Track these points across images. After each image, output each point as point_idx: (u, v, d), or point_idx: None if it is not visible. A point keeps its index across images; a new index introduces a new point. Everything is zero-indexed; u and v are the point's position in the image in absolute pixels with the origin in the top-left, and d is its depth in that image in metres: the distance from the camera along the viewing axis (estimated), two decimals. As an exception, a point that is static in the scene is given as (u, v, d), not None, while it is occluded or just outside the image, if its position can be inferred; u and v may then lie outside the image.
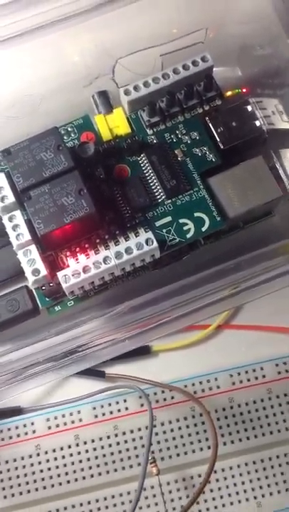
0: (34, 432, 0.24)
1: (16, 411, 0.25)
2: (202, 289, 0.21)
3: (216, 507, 0.23)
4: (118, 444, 0.24)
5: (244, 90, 0.28)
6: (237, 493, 0.24)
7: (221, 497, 0.23)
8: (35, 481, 0.24)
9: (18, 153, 0.24)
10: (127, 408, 0.24)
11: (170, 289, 0.22)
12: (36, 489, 0.23)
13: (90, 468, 0.24)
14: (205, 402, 0.23)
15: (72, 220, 0.23)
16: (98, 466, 0.24)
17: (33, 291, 0.25)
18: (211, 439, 0.22)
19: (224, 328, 0.26)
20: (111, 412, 0.24)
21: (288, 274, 0.22)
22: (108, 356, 0.21)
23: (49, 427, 0.24)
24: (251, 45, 0.26)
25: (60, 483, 0.23)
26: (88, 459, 0.24)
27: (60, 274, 0.23)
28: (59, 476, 0.24)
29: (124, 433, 0.24)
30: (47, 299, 0.24)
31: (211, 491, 0.24)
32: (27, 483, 0.23)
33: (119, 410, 0.24)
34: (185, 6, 0.25)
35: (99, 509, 0.23)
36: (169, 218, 0.25)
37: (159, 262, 0.25)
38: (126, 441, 0.24)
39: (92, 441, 0.24)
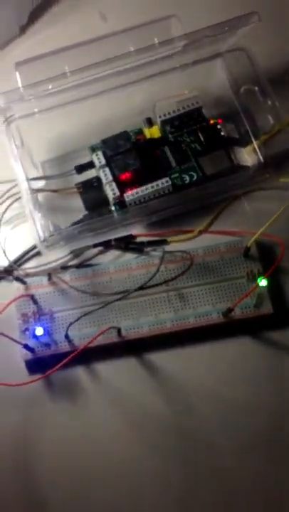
0: (109, 271, 0.50)
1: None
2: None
3: (194, 306, 0.48)
4: (148, 276, 0.49)
5: (219, 120, 0.53)
6: (203, 301, 0.48)
7: (194, 303, 0.48)
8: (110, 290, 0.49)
9: (109, 141, 0.51)
10: (153, 262, 0.50)
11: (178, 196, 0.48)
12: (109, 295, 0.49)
13: (134, 285, 0.49)
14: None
15: (130, 169, 0.50)
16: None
17: (112, 207, 0.51)
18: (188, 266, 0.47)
19: (204, 232, 0.51)
20: (145, 265, 0.50)
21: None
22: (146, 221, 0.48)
23: (115, 270, 0.50)
24: (220, 98, 0.53)
25: (121, 292, 0.49)
26: (134, 283, 0.49)
27: (125, 195, 0.49)
28: (119, 288, 0.49)
29: (152, 272, 0.49)
30: (117, 208, 0.50)
31: (191, 301, 0.48)
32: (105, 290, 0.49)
33: (149, 263, 0.50)
34: (188, 81, 0.52)
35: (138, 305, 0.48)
36: (177, 174, 0.50)
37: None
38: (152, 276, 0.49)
39: (137, 276, 0.49)
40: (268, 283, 0.47)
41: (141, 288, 0.44)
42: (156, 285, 0.46)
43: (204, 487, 0.46)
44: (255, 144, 0.50)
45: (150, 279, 0.45)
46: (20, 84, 0.46)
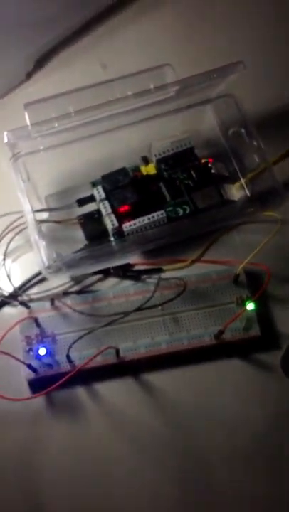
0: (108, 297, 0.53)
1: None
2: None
3: (187, 330, 0.52)
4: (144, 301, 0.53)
5: (210, 160, 0.58)
6: (196, 325, 0.52)
7: (187, 326, 0.52)
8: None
9: (108, 176, 0.55)
10: (149, 288, 0.53)
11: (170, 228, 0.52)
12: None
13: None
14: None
15: (128, 203, 0.54)
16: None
17: (111, 237, 0.55)
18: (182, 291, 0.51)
19: (196, 262, 0.55)
20: (142, 291, 0.53)
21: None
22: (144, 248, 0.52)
23: (114, 296, 0.53)
24: (210, 140, 0.57)
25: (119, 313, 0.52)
26: (131, 308, 0.52)
27: (123, 225, 0.53)
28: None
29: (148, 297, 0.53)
30: (116, 237, 0.54)
31: (184, 324, 0.52)
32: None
33: (146, 289, 0.53)
34: (181, 124, 0.56)
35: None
36: (171, 207, 0.54)
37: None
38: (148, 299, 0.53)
39: (134, 302, 0.52)
40: (256, 307, 0.51)
41: (138, 309, 0.48)
42: (152, 307, 0.49)
43: (201, 503, 0.48)
44: (242, 180, 0.55)
45: (146, 301, 0.48)
46: (28, 123, 0.50)
